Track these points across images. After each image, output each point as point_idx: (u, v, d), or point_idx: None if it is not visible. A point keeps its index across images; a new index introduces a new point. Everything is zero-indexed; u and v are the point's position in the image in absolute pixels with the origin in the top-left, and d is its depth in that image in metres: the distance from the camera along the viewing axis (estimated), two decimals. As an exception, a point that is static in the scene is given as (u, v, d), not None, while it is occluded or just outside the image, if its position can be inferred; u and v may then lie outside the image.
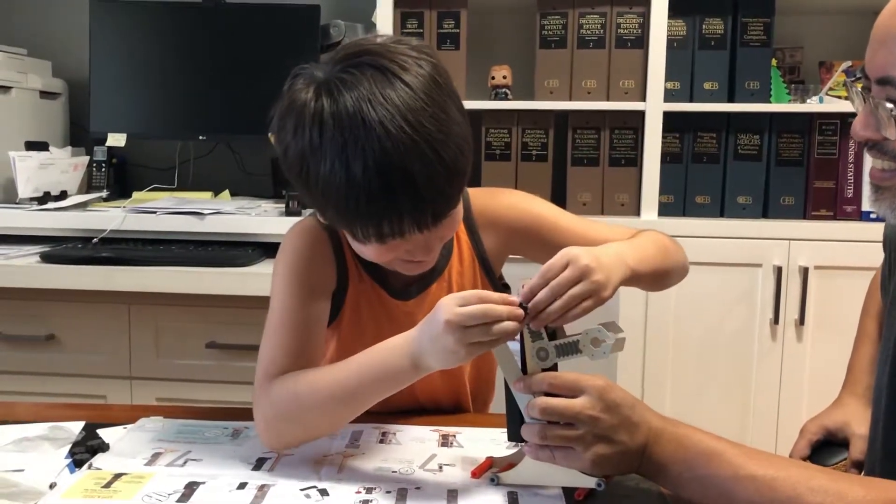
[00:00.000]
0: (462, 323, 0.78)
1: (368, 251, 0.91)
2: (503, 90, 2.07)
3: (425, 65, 0.85)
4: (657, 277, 1.01)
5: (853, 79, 0.88)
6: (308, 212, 1.18)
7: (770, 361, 1.95)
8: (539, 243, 1.04)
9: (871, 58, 0.83)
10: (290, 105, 0.86)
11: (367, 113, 0.80)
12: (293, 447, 0.94)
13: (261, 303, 1.71)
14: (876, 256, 1.32)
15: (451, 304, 0.80)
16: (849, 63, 2.06)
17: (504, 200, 1.07)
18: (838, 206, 2.02)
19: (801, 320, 1.92)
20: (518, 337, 0.83)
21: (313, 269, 0.98)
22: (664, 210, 2.03)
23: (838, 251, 1.93)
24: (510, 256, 1.09)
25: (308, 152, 0.84)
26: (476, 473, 0.87)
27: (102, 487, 0.82)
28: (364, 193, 0.81)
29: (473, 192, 1.07)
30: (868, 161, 1.99)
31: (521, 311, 0.80)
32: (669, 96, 2.00)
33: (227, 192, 2.24)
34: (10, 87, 2.13)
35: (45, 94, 2.26)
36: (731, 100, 2.02)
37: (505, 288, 1.10)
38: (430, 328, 0.82)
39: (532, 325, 0.81)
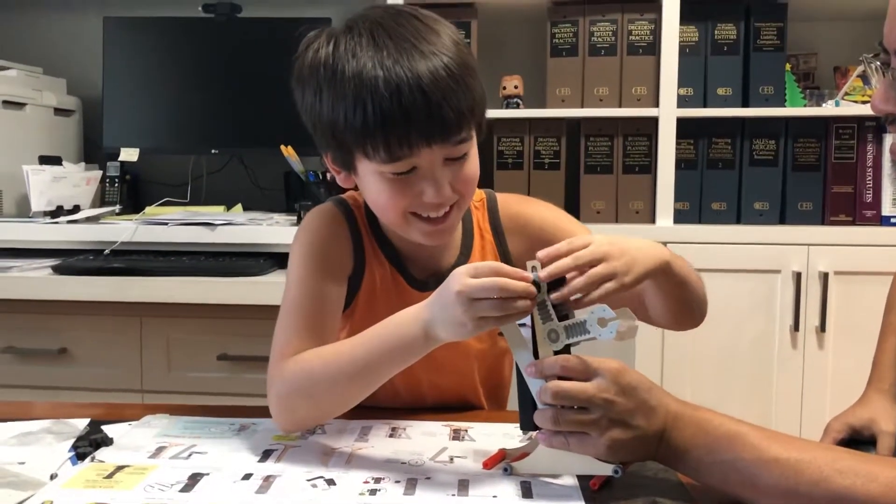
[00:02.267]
0: (472, 295, 0.77)
1: (382, 194, 0.90)
2: (515, 100, 2.06)
3: (442, 21, 0.91)
4: (687, 295, 0.96)
5: (871, 55, 0.86)
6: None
7: (791, 370, 1.91)
8: None
9: (890, 29, 0.81)
10: (305, 52, 0.90)
11: (381, 38, 0.85)
12: (306, 427, 0.94)
13: (272, 313, 1.68)
14: (897, 261, 1.29)
15: (462, 275, 0.78)
16: (862, 68, 2.04)
17: (537, 210, 1.07)
18: (857, 210, 1.99)
19: (822, 327, 1.88)
20: (529, 321, 0.81)
21: (330, 250, 0.98)
22: (679, 217, 2.00)
23: (858, 256, 1.89)
24: None
25: (322, 79, 0.87)
26: (488, 464, 0.84)
27: (104, 478, 0.80)
28: (371, 96, 0.82)
29: (503, 197, 1.08)
30: (887, 164, 1.97)
31: (534, 290, 0.78)
32: (683, 102, 1.98)
33: (239, 205, 2.24)
34: (25, 104, 2.15)
35: (59, 111, 2.28)
36: (745, 105, 2.00)
37: None
38: (441, 296, 0.80)
39: (552, 298, 0.79)
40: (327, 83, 0.86)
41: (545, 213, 1.06)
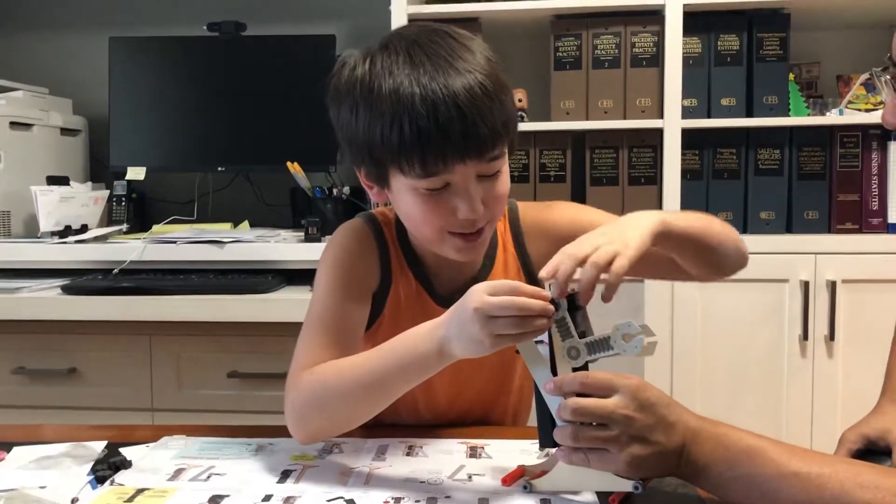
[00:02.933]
0: (489, 312, 0.77)
1: (416, 210, 0.90)
2: (519, 113, 2.07)
3: (476, 39, 0.92)
4: (702, 246, 0.96)
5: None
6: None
7: (801, 379, 1.91)
8: None
9: (899, 43, 0.82)
10: (341, 69, 0.92)
11: (417, 55, 0.86)
12: (321, 439, 0.95)
13: (282, 330, 1.67)
14: (904, 268, 1.29)
15: (480, 292, 0.79)
16: (867, 75, 2.04)
17: (557, 211, 1.07)
18: (864, 218, 1.99)
19: (831, 335, 1.88)
20: (547, 338, 0.81)
21: (357, 266, 0.99)
22: (686, 228, 2.00)
23: (866, 264, 1.90)
24: None
25: (359, 96, 0.88)
26: (507, 481, 0.85)
27: (125, 502, 0.81)
28: (408, 112, 0.84)
29: (524, 205, 1.08)
30: (893, 172, 1.97)
31: (552, 308, 0.79)
32: (687, 113, 1.99)
33: (246, 222, 2.24)
34: (31, 125, 2.16)
35: (66, 131, 2.30)
36: (749, 115, 2.01)
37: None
38: (458, 313, 0.81)
39: (581, 299, 0.79)
40: (364, 100, 0.88)
41: (566, 211, 1.07)
